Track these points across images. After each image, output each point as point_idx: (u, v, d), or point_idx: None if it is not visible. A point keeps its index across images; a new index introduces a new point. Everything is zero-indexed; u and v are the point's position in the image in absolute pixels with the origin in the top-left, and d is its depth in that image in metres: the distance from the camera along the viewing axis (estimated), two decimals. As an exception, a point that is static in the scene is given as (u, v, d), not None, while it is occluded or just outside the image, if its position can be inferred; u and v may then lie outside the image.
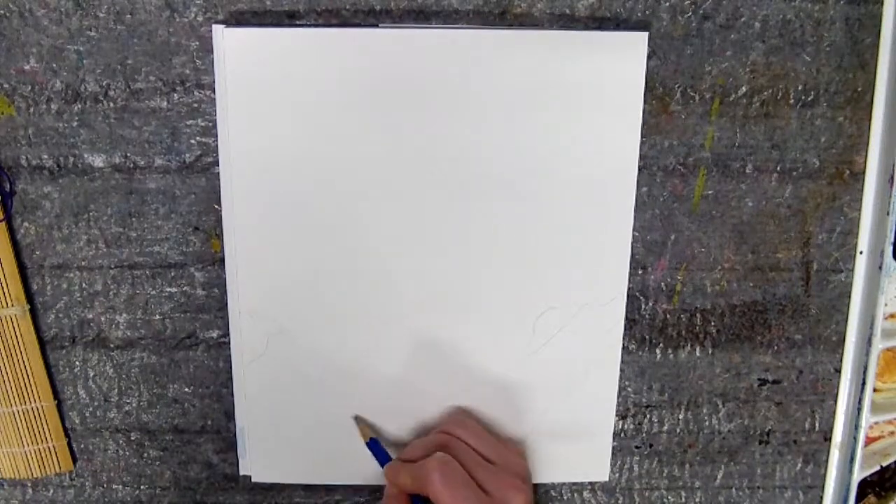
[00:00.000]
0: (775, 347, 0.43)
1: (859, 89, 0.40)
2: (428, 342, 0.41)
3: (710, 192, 0.41)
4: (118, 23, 0.37)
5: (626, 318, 0.41)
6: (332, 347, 0.40)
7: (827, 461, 0.45)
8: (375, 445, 0.40)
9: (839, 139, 0.40)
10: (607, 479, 0.44)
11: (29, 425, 0.42)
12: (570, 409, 0.42)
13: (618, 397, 0.42)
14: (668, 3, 0.38)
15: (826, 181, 0.41)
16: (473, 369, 0.41)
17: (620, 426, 0.44)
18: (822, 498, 0.45)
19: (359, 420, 0.41)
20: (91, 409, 0.43)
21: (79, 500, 0.44)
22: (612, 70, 0.38)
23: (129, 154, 0.39)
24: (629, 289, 0.41)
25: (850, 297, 0.42)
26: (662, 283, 0.42)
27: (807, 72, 0.39)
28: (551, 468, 0.43)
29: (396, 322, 0.40)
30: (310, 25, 0.38)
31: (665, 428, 0.44)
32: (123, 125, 0.39)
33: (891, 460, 0.44)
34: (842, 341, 0.43)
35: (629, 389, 0.43)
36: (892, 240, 0.40)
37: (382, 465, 0.39)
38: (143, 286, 0.41)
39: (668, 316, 0.42)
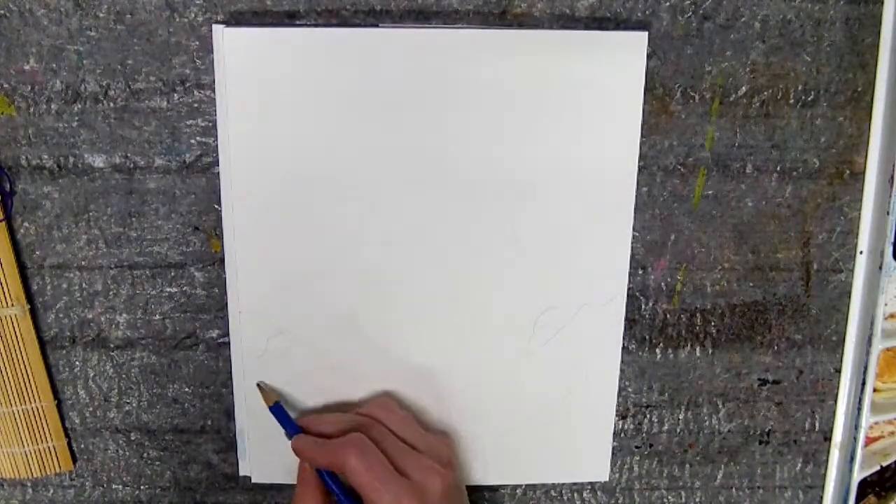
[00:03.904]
0: (775, 347, 0.43)
1: (859, 89, 0.40)
2: (428, 342, 0.41)
3: (710, 192, 0.41)
4: (118, 23, 0.37)
5: (626, 318, 0.41)
6: (332, 347, 0.40)
7: (827, 461, 0.45)
8: (279, 411, 0.39)
9: (839, 139, 0.40)
10: (607, 479, 0.44)
11: (29, 425, 0.42)
12: (570, 409, 0.42)
13: (618, 397, 0.42)
14: (668, 3, 0.38)
15: (826, 181, 0.41)
16: (473, 369, 0.41)
17: (620, 426, 0.44)
18: (822, 498, 0.45)
19: (262, 385, 0.40)
20: (91, 409, 0.43)
21: (79, 500, 0.44)
22: (612, 70, 0.37)
23: (129, 154, 0.39)
24: (629, 289, 0.41)
25: (850, 297, 0.42)
26: (662, 283, 0.42)
27: (807, 72, 0.39)
28: (551, 468, 0.43)
29: (396, 322, 0.40)
30: (310, 25, 0.38)
31: (665, 428, 0.44)
32: (123, 125, 0.39)
33: (891, 460, 0.44)
34: (842, 341, 0.43)
35: (629, 389, 0.43)
36: (892, 240, 0.40)
37: (288, 432, 0.38)
38: (143, 286, 0.41)
39: (668, 316, 0.42)
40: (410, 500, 0.34)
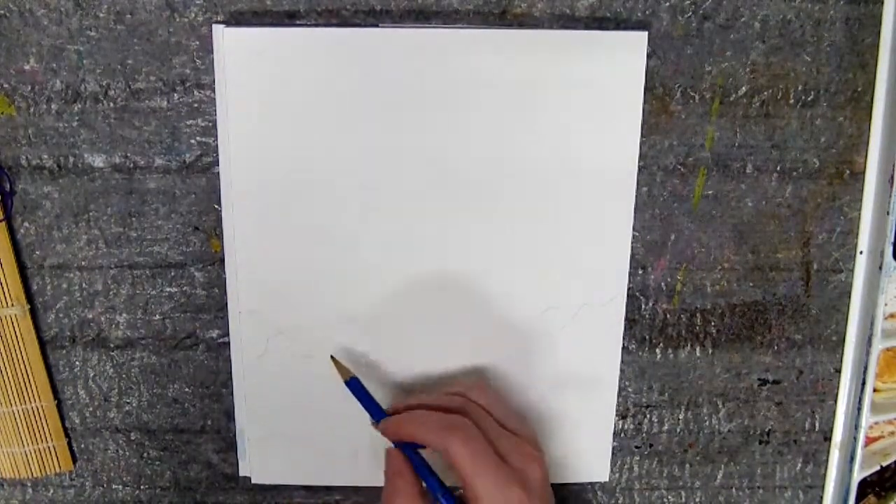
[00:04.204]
0: (775, 347, 0.43)
1: (859, 89, 0.40)
2: (428, 342, 0.41)
3: (710, 192, 0.41)
4: (118, 23, 0.37)
5: (626, 318, 0.41)
6: (332, 347, 0.40)
7: (827, 461, 0.45)
8: (357, 387, 0.38)
9: (839, 139, 0.40)
10: (607, 479, 0.44)
11: (29, 425, 0.42)
12: (570, 409, 0.42)
13: (618, 397, 0.42)
14: (668, 3, 0.38)
15: (826, 181, 0.41)
16: (473, 369, 0.41)
17: (620, 426, 0.44)
18: (822, 498, 0.45)
19: (336, 358, 0.39)
20: (91, 409, 0.43)
21: (79, 500, 0.44)
22: (612, 70, 0.37)
23: (129, 154, 0.39)
24: (629, 289, 0.41)
25: (850, 297, 0.42)
26: (662, 283, 0.42)
27: (807, 72, 0.39)
28: (551, 468, 0.43)
29: (396, 322, 0.40)
30: (310, 25, 0.38)
31: (665, 428, 0.44)
32: (123, 125, 0.39)
33: (891, 460, 0.44)
34: (842, 341, 0.43)
35: (629, 389, 0.43)
36: (892, 240, 0.40)
37: (367, 408, 0.37)
38: (143, 286, 0.41)
39: (668, 316, 0.42)
40: (515, 488, 0.33)
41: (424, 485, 0.36)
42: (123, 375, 0.42)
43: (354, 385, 0.38)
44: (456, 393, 0.38)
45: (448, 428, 0.34)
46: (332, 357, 0.39)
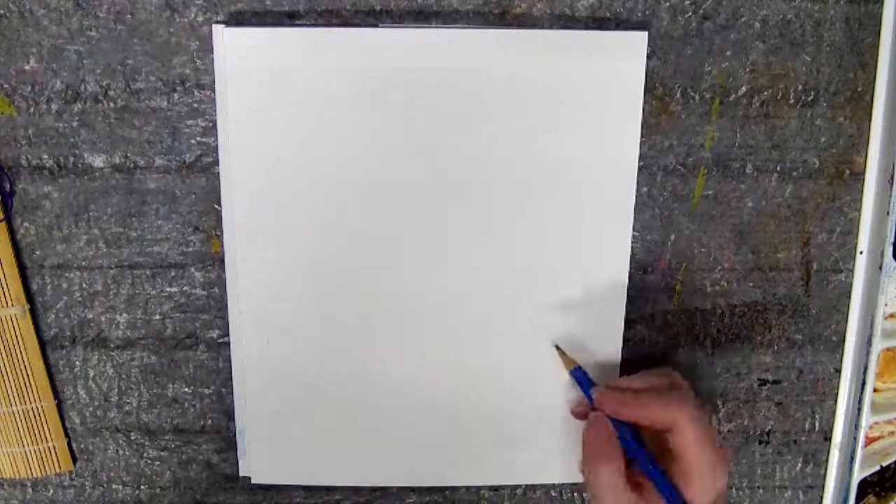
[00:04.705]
0: (775, 347, 0.43)
1: (859, 89, 0.40)
2: (427, 342, 0.41)
3: (710, 192, 0.41)
4: (118, 23, 0.37)
5: (626, 318, 0.41)
6: (332, 347, 0.40)
7: (827, 461, 0.45)
8: (581, 375, 0.39)
9: (839, 139, 0.40)
10: (607, 479, 0.44)
11: (29, 425, 0.42)
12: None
13: (618, 397, 0.42)
14: (668, 3, 0.38)
15: (826, 181, 0.41)
16: (473, 369, 0.41)
17: (620, 426, 0.44)
18: (822, 498, 0.45)
19: (559, 347, 0.40)
20: (91, 409, 0.43)
21: (79, 500, 0.44)
22: (612, 70, 0.37)
23: (129, 154, 0.39)
24: (629, 289, 0.41)
25: (850, 297, 0.42)
26: (662, 283, 0.42)
27: (807, 72, 0.39)
28: (552, 468, 0.43)
29: (396, 322, 0.40)
30: (310, 25, 0.38)
31: (665, 428, 0.44)
32: (123, 125, 0.39)
33: (891, 460, 0.44)
34: (842, 341, 0.43)
35: (629, 389, 0.43)
36: (892, 240, 0.40)
37: (588, 395, 0.39)
38: (143, 286, 0.41)
39: (668, 316, 0.42)
40: (723, 472, 0.34)
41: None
42: (123, 375, 0.42)
43: (578, 374, 0.39)
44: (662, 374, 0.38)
45: (677, 400, 0.35)
46: (556, 346, 0.40)
